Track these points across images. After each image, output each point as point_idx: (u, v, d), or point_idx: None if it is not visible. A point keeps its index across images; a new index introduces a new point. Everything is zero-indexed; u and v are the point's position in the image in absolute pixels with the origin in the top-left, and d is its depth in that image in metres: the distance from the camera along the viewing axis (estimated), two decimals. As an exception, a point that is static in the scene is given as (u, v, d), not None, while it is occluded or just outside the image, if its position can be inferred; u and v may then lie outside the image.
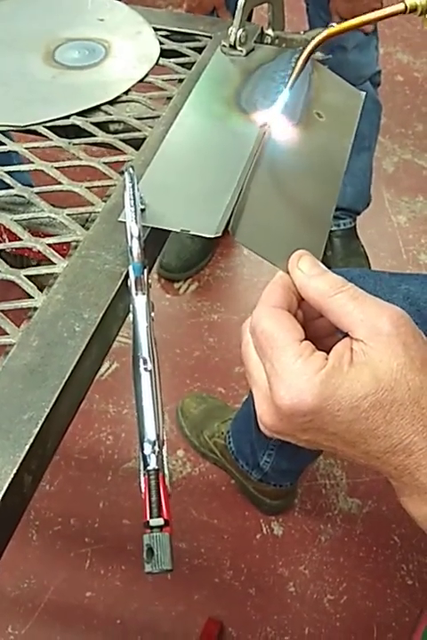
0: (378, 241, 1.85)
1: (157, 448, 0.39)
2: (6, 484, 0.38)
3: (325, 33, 0.54)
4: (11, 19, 0.76)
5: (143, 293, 0.45)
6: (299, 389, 0.38)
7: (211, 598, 1.25)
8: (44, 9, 0.78)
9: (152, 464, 0.38)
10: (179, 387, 1.52)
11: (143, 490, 0.38)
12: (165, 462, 0.39)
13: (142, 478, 0.38)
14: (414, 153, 2.11)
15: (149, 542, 0.36)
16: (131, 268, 0.46)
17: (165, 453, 0.39)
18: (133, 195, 0.50)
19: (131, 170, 0.52)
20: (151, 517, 0.36)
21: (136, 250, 0.47)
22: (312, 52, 0.55)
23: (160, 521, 0.36)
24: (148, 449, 0.39)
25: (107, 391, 1.52)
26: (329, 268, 0.43)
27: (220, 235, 0.51)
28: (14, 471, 0.39)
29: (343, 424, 0.38)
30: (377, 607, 1.25)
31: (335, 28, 0.54)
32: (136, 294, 0.45)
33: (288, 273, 0.43)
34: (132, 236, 0.48)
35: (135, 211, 0.49)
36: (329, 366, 0.38)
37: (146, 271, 0.46)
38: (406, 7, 0.53)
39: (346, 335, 0.40)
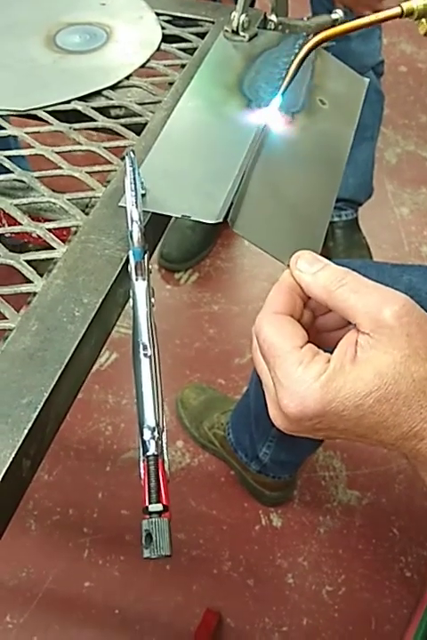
0: (380, 232, 1.85)
1: (156, 434, 0.39)
2: (4, 468, 0.38)
3: (318, 37, 0.53)
4: (12, 3, 0.76)
5: (143, 279, 0.45)
6: (301, 397, 0.38)
7: (209, 589, 1.25)
8: (45, -7, 0.77)
9: (151, 450, 0.38)
10: (179, 378, 1.52)
11: (142, 476, 0.38)
12: (164, 448, 0.39)
13: (142, 464, 0.38)
14: (418, 144, 2.10)
15: (147, 528, 0.36)
16: (131, 253, 0.46)
17: (164, 440, 0.39)
18: (134, 180, 0.49)
19: (132, 155, 0.51)
20: (150, 503, 0.36)
21: (136, 235, 0.46)
22: (307, 55, 0.54)
23: (159, 506, 0.36)
24: (147, 435, 0.39)
25: (106, 381, 1.52)
26: (330, 259, 0.43)
27: (221, 221, 0.50)
28: (13, 455, 0.38)
29: (351, 421, 0.38)
30: (375, 599, 1.25)
31: (330, 31, 0.53)
32: (136, 279, 0.45)
33: (289, 267, 0.43)
34: (132, 221, 0.47)
35: (136, 196, 0.48)
36: (330, 370, 0.38)
37: (146, 256, 0.46)
38: (402, 11, 0.53)
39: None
